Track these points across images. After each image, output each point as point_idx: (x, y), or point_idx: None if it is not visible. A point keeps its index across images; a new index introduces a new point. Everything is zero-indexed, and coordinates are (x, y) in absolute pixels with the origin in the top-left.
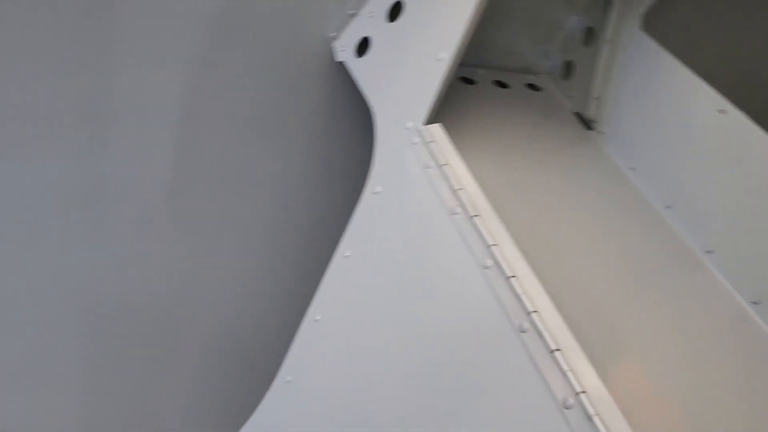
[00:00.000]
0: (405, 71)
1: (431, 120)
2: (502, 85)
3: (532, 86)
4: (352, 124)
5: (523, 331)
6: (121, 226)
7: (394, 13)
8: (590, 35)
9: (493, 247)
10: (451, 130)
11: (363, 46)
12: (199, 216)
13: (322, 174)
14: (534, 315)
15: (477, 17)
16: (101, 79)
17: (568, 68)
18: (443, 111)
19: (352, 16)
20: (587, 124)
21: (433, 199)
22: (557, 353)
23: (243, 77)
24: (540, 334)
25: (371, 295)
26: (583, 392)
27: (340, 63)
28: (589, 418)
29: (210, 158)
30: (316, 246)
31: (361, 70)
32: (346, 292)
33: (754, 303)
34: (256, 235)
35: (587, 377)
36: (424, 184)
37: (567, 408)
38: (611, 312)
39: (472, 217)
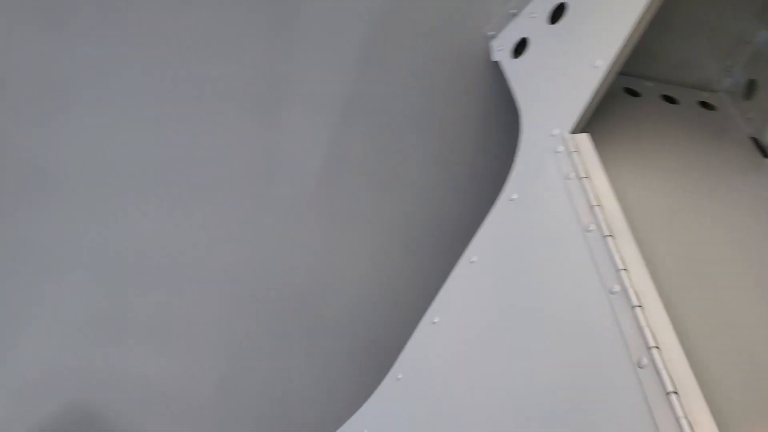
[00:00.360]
0: (559, 76)
1: (580, 129)
2: (670, 100)
3: (706, 104)
4: (501, 126)
5: (640, 367)
6: (276, 207)
7: (557, 14)
8: None
9: (622, 272)
10: (604, 143)
11: (520, 47)
12: (345, 206)
13: (467, 174)
14: (654, 351)
15: (643, 25)
16: (278, 64)
17: (750, 87)
18: (599, 122)
19: (513, 15)
20: (765, 151)
21: (568, 213)
22: (673, 396)
23: (401, 72)
24: (658, 372)
25: (492, 304)
26: None
27: (495, 62)
28: None
29: (363, 151)
30: (451, 247)
31: (515, 71)
32: (467, 297)
33: None
34: (396, 231)
35: (704, 428)
36: (562, 195)
37: None
38: (758, 363)
39: (605, 236)
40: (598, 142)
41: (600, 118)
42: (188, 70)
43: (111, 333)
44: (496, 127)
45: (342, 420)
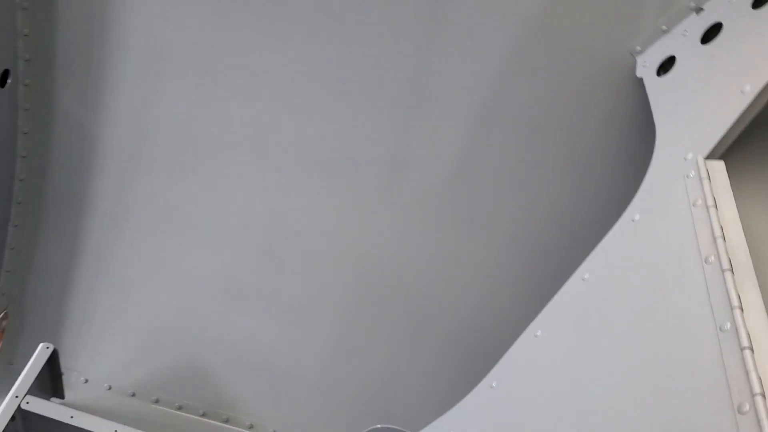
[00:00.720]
0: (702, 98)
1: (716, 156)
2: None
3: None
4: (636, 143)
5: (741, 413)
6: (405, 202)
7: (711, 34)
8: None
9: (736, 310)
10: (742, 174)
11: (666, 65)
12: (472, 207)
13: (597, 187)
14: (759, 398)
15: None
16: (424, 64)
17: None
18: (741, 151)
19: (664, 32)
20: None
21: (689, 241)
22: None
23: (543, 79)
24: (759, 422)
25: (598, 324)
26: None
27: (638, 78)
28: None
29: (497, 155)
30: (571, 259)
31: (657, 89)
32: (574, 315)
33: None
34: (518, 238)
35: None
36: (686, 222)
37: None
38: None
39: (724, 270)
40: (735, 172)
41: (742, 147)
42: (339, 62)
43: (233, 301)
44: (631, 144)
45: (432, 417)
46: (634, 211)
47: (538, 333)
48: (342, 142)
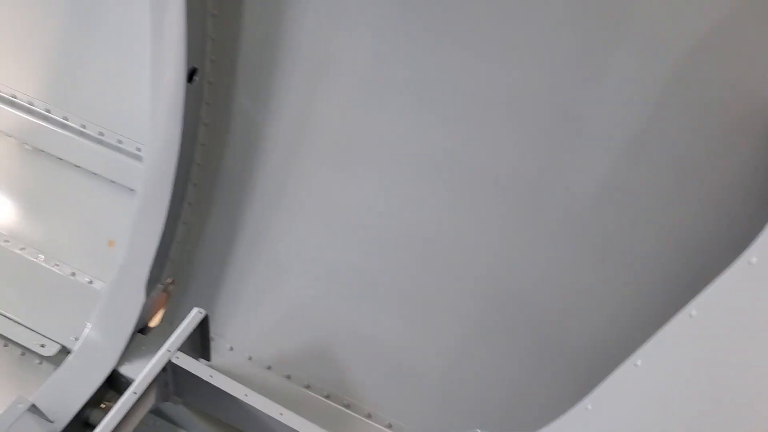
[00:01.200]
0: None
1: None
2: None
3: None
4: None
5: None
6: (542, 225)
7: None
8: None
9: None
10: None
11: None
12: (605, 239)
13: (729, 231)
14: None
15: None
16: (581, 92)
17: None
18: None
19: None
20: None
21: None
22: None
23: (693, 117)
24: None
25: (698, 362)
26: None
27: None
28: None
29: (635, 190)
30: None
31: None
32: (675, 349)
33: None
34: (648, 273)
35: None
36: None
37: None
38: None
39: None
40: None
41: None
42: (499, 82)
43: (367, 295)
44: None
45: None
46: (752, 254)
47: (639, 362)
48: (486, 155)
